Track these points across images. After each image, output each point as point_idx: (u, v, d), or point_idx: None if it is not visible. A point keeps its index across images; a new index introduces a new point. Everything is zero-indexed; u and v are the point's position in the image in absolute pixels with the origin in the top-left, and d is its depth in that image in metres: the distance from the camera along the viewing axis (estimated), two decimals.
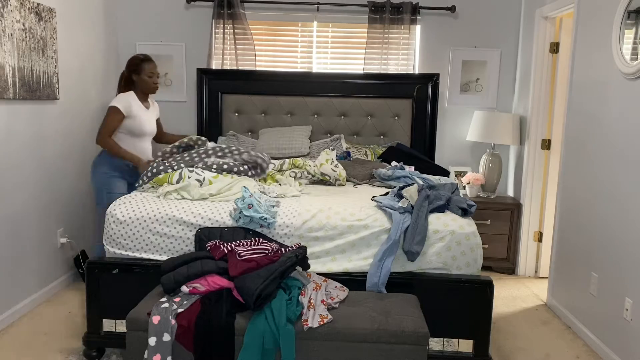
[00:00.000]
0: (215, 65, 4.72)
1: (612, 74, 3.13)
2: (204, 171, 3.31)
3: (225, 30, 4.65)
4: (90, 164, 4.53)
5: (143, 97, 3.64)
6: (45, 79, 3.58)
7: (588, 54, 3.48)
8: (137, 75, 3.56)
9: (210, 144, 3.72)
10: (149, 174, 3.37)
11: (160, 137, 4.01)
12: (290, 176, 3.75)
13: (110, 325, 2.85)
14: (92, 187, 3.71)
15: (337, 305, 2.50)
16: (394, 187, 3.35)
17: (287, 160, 3.89)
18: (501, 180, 4.79)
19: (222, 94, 4.69)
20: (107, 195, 3.47)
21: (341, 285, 2.67)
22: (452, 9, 4.67)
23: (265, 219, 2.79)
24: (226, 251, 2.62)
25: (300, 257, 2.60)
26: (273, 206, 2.90)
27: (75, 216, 4.08)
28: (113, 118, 3.44)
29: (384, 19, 4.61)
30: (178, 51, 4.81)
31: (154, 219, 2.88)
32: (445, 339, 2.77)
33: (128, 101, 3.48)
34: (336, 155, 4.08)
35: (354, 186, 3.74)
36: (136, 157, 3.48)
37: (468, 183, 4.56)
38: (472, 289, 2.73)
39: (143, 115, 3.58)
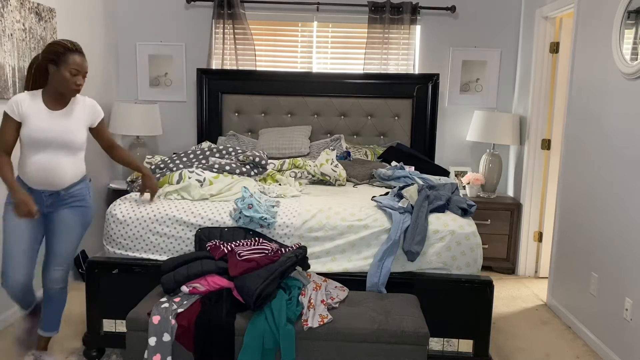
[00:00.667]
0: (215, 65, 4.72)
1: (612, 74, 3.13)
2: (204, 171, 3.31)
3: (225, 30, 4.65)
4: (90, 164, 4.55)
5: (57, 97, 2.62)
6: None
7: (588, 54, 3.48)
8: (56, 68, 2.54)
9: (206, 144, 3.67)
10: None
11: (111, 152, 2.99)
12: (290, 176, 3.75)
13: (110, 325, 2.85)
14: None
15: (337, 305, 2.50)
16: (394, 187, 3.35)
17: (287, 160, 3.90)
18: (501, 180, 4.79)
19: (222, 94, 4.69)
20: (3, 223, 2.63)
21: (341, 285, 2.67)
22: (452, 9, 4.67)
23: (265, 219, 2.79)
24: (226, 251, 2.62)
25: (300, 257, 2.60)
26: (273, 206, 2.90)
27: None
28: (2, 127, 2.56)
29: (384, 19, 4.61)
30: (178, 51, 4.81)
31: (154, 219, 2.88)
32: (445, 339, 2.77)
33: (17, 101, 2.55)
34: (336, 155, 4.08)
35: (354, 186, 3.74)
36: (10, 184, 2.54)
37: (468, 183, 4.56)
38: (472, 289, 2.73)
39: (38, 120, 2.56)
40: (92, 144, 4.31)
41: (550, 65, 4.31)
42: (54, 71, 2.56)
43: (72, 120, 2.64)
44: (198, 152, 3.68)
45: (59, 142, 2.59)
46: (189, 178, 3.20)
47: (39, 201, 2.61)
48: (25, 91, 2.63)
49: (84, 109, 2.71)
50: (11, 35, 3.22)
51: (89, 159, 4.26)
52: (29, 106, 2.56)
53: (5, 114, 2.55)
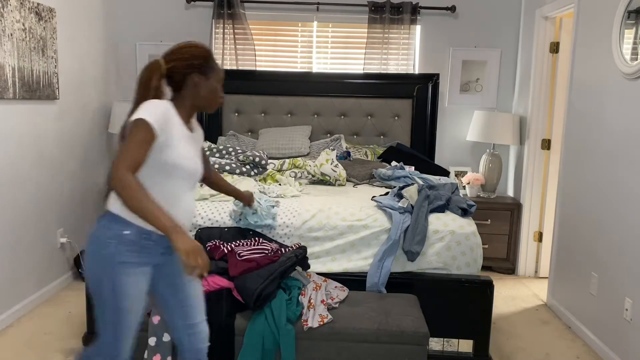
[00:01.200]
0: None
1: (612, 74, 3.13)
2: None
3: (225, 30, 4.65)
4: (90, 165, 4.53)
5: (190, 115, 1.97)
6: (45, 79, 3.58)
7: (588, 54, 3.48)
8: (203, 77, 1.91)
9: (206, 144, 3.67)
10: None
11: (208, 177, 2.29)
12: (290, 176, 3.75)
13: None
14: (87, 281, 1.90)
15: (337, 305, 2.51)
16: (394, 187, 3.35)
17: (287, 160, 3.90)
18: (501, 180, 4.79)
19: None
20: (114, 300, 1.81)
21: (341, 285, 2.67)
22: (452, 9, 4.67)
23: (270, 225, 2.79)
24: (226, 251, 2.61)
25: (300, 257, 2.60)
26: (273, 206, 2.91)
27: (75, 216, 4.08)
28: (140, 140, 1.72)
29: (384, 19, 4.61)
30: None
31: None
32: (445, 339, 2.77)
33: (165, 113, 1.80)
34: (336, 155, 4.08)
35: (354, 186, 3.74)
36: (171, 225, 1.67)
37: (468, 183, 4.56)
38: (472, 289, 2.73)
39: (184, 144, 1.87)
40: (89, 142, 4.32)
41: (550, 65, 4.31)
42: (199, 81, 1.91)
43: (200, 145, 2.04)
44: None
45: (194, 171, 1.93)
46: None
47: (157, 251, 1.87)
48: (164, 100, 1.87)
49: (199, 132, 2.06)
50: (11, 35, 3.21)
51: (88, 157, 4.28)
52: (176, 123, 1.85)
53: (144, 123, 1.72)
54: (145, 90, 1.86)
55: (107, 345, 1.87)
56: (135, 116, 1.74)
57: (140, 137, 1.72)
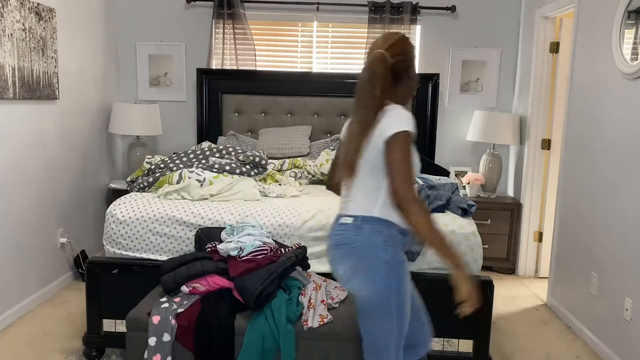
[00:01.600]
0: (215, 65, 4.71)
1: (612, 74, 3.13)
2: (204, 171, 3.31)
3: (225, 30, 4.65)
4: (90, 165, 4.54)
5: None
6: (45, 79, 3.58)
7: (588, 54, 3.48)
8: (413, 71, 1.89)
9: (206, 144, 3.65)
10: (150, 180, 3.35)
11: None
12: (290, 176, 3.75)
13: (110, 325, 2.85)
14: (368, 298, 1.82)
15: (337, 305, 2.51)
16: None
17: (287, 160, 3.90)
18: (501, 180, 4.78)
19: (222, 94, 4.69)
20: (400, 303, 1.81)
21: (341, 285, 2.67)
22: (452, 9, 4.67)
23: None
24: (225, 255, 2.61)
25: (300, 257, 2.60)
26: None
27: (75, 216, 4.08)
28: (410, 153, 1.76)
29: (384, 19, 4.61)
30: (178, 51, 4.80)
31: (154, 219, 2.88)
32: (445, 339, 2.77)
33: (412, 118, 1.79)
34: None
35: None
36: (458, 262, 1.72)
37: (468, 183, 4.56)
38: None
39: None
40: (89, 142, 4.32)
41: (550, 65, 4.31)
42: (413, 75, 1.88)
43: None
44: (198, 152, 3.68)
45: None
46: (189, 178, 3.20)
47: (404, 246, 1.88)
48: (399, 105, 1.81)
49: None
50: (11, 35, 3.21)
51: (88, 157, 4.28)
52: None
53: (409, 135, 1.75)
54: (386, 89, 1.78)
55: None
56: (399, 128, 1.72)
57: (409, 150, 1.74)
